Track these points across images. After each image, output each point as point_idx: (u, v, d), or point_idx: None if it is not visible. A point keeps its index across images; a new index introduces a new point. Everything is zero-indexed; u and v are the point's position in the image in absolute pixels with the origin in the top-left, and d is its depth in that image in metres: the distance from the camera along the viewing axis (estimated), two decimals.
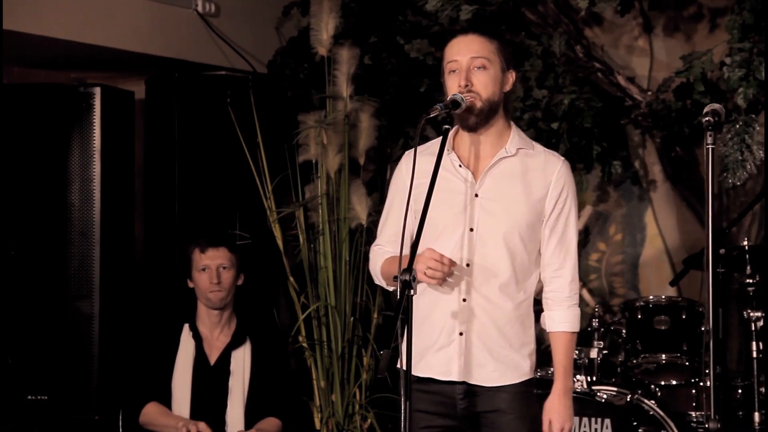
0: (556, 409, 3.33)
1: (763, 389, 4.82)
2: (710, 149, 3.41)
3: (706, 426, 3.40)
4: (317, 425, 5.44)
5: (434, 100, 4.81)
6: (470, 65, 3.31)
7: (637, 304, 5.01)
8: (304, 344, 5.46)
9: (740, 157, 4.81)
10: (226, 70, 5.64)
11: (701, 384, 4.87)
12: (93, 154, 5.03)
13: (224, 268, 4.54)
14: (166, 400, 4.48)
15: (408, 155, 3.41)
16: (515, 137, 3.38)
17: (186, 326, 4.56)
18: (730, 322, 5.26)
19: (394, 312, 3.02)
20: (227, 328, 4.58)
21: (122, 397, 4.67)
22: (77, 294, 4.99)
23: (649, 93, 5.43)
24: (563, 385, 3.35)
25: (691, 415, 4.95)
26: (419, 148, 3.35)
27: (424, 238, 3.19)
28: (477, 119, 3.31)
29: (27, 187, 5.01)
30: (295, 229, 5.51)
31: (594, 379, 4.76)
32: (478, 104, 3.30)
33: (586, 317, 4.75)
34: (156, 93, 5.52)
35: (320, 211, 5.47)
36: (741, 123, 4.82)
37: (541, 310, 3.44)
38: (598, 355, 4.80)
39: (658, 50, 5.59)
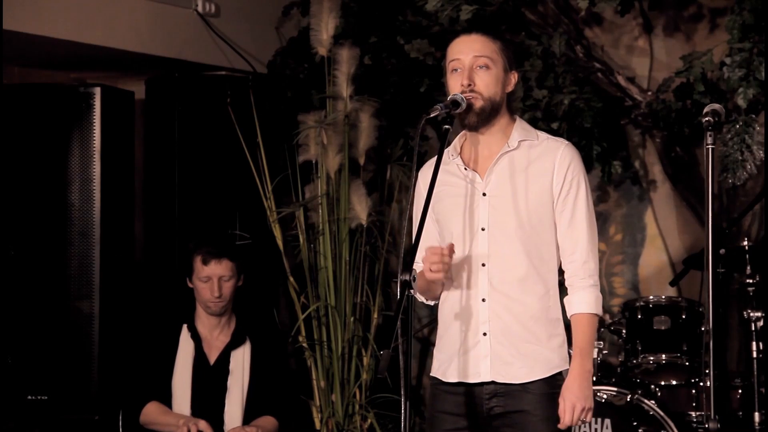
0: (571, 390, 3.26)
1: (763, 389, 4.82)
2: (710, 149, 3.41)
3: (706, 426, 3.40)
4: (317, 425, 5.44)
5: (434, 100, 4.81)
6: (473, 64, 3.30)
7: (637, 304, 5.00)
8: (304, 344, 5.46)
9: (740, 157, 4.81)
10: (226, 70, 5.64)
11: (701, 384, 4.87)
12: (93, 154, 5.03)
13: (225, 279, 4.53)
14: (166, 400, 4.48)
15: (422, 171, 3.40)
16: (517, 130, 3.36)
17: (184, 327, 4.56)
18: (730, 322, 5.26)
19: (395, 312, 3.02)
20: (227, 328, 4.59)
21: (122, 397, 4.67)
22: (77, 294, 4.99)
23: (649, 93, 5.43)
24: (580, 367, 3.27)
25: (691, 415, 4.95)
26: (429, 162, 3.37)
27: (443, 243, 3.25)
28: (478, 118, 3.30)
29: (27, 187, 5.01)
30: (295, 229, 5.51)
31: (594, 379, 4.75)
32: (480, 103, 3.29)
33: None
34: (156, 93, 5.52)
35: (320, 211, 5.47)
36: (741, 123, 4.82)
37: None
38: (598, 355, 4.81)
39: (658, 50, 5.59)
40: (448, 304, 3.36)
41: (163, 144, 5.45)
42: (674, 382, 4.92)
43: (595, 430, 4.60)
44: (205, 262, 4.51)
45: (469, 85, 3.28)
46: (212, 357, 4.54)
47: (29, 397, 4.91)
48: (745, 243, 4.89)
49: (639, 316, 4.96)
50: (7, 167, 4.94)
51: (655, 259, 5.62)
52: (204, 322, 4.57)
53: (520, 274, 3.30)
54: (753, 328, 4.82)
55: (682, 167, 5.53)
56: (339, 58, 5.40)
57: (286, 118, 5.58)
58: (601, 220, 5.67)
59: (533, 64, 5.34)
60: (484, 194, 3.32)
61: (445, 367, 3.35)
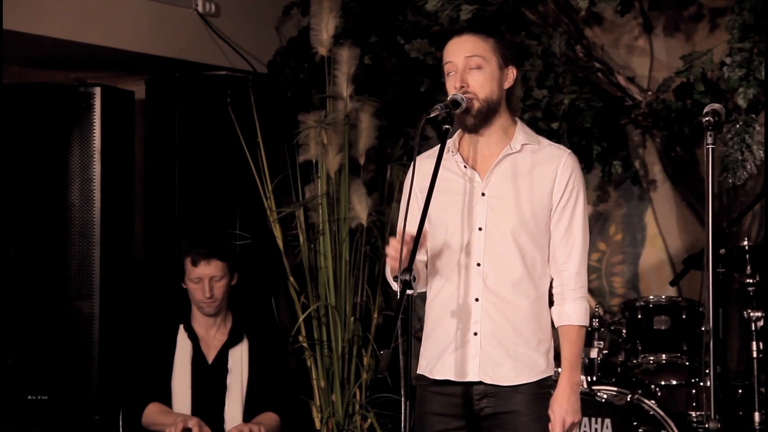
0: (560, 403, 3.28)
1: (763, 389, 4.82)
2: (710, 149, 3.41)
3: (706, 426, 3.41)
4: (317, 425, 5.44)
5: (434, 100, 4.81)
6: (465, 66, 3.29)
7: (637, 304, 5.00)
8: (304, 344, 5.46)
9: (740, 157, 4.81)
10: (226, 70, 5.64)
11: (701, 384, 4.87)
12: (93, 154, 5.03)
13: (216, 279, 4.53)
14: (167, 400, 4.48)
15: (419, 162, 3.34)
16: (520, 133, 3.36)
17: (181, 327, 4.56)
18: (730, 322, 5.26)
19: (395, 312, 3.02)
20: (223, 327, 4.59)
21: (122, 397, 4.67)
22: (77, 294, 4.99)
23: (649, 93, 5.43)
24: (569, 380, 3.30)
25: (691, 415, 4.96)
26: (424, 154, 3.36)
27: (434, 240, 3.25)
28: (475, 120, 3.29)
29: (27, 187, 5.01)
30: (295, 229, 5.51)
31: (594, 379, 4.76)
32: (476, 105, 3.27)
33: None
34: (156, 93, 5.52)
35: (320, 211, 5.47)
36: (741, 123, 4.82)
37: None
38: (598, 355, 4.81)
39: (658, 50, 5.59)
40: (440, 301, 3.35)
41: (163, 144, 5.45)
42: (674, 382, 4.93)
43: (595, 430, 4.60)
44: (194, 264, 4.51)
45: (462, 87, 3.27)
46: (210, 356, 4.54)
47: (29, 397, 4.91)
48: (745, 243, 4.89)
49: (639, 316, 4.96)
50: (7, 167, 4.94)
51: (655, 258, 5.62)
52: (200, 321, 4.57)
53: (515, 276, 3.30)
54: (753, 328, 4.82)
55: (682, 167, 5.54)
56: (339, 58, 5.40)
57: (286, 117, 5.58)
58: (601, 220, 5.67)
59: (533, 64, 5.34)
60: (483, 194, 3.32)
61: (433, 364, 3.34)
